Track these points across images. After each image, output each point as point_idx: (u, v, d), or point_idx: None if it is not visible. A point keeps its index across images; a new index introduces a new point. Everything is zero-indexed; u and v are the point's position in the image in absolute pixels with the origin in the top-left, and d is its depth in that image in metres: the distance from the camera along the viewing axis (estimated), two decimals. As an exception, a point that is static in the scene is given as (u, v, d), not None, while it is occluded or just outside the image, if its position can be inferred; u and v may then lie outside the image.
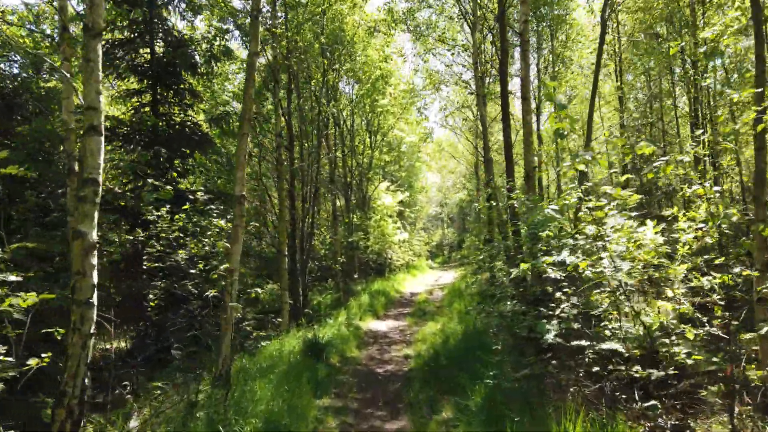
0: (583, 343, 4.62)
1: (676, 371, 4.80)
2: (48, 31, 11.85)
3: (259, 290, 5.55)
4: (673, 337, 4.82)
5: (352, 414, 5.83)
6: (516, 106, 16.66)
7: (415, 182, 30.83)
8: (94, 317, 3.41)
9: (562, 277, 4.84)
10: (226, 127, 11.42)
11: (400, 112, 19.66)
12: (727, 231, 4.78)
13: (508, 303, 5.56)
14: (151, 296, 5.04)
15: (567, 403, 4.51)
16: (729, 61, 12.73)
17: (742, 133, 9.83)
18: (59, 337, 3.70)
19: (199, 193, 6.62)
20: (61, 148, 6.49)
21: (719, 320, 4.73)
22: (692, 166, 10.73)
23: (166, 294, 5.68)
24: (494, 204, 9.48)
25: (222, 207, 6.64)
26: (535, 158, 9.04)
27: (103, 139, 3.53)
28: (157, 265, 5.04)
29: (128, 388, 5.94)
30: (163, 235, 5.02)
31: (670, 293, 5.21)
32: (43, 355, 3.10)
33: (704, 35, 7.58)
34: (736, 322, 4.61)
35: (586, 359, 4.73)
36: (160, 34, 10.46)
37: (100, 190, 3.46)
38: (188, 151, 6.43)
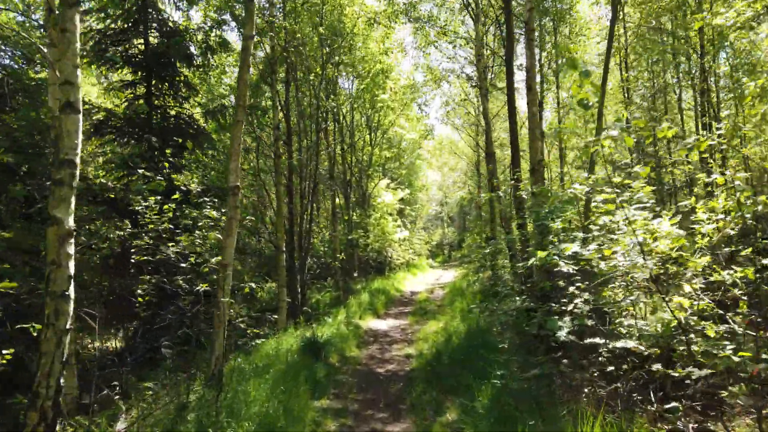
0: (598, 340, 4.34)
1: (694, 370, 4.54)
2: (42, 22, 11.55)
3: (253, 285, 5.26)
4: (692, 335, 4.55)
5: (351, 416, 5.55)
6: (519, 101, 16.36)
7: (416, 180, 30.56)
8: (71, 311, 3.13)
9: (575, 271, 4.57)
10: (223, 120, 11.13)
11: (400, 109, 19.38)
12: (750, 222, 4.50)
13: (517, 299, 5.27)
14: (139, 292, 4.75)
15: (581, 405, 4.24)
16: (734, 56, 12.48)
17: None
18: (35, 333, 3.41)
19: (192, 185, 6.33)
20: (53, 135, 6.19)
21: (741, 316, 4.47)
22: (710, 155, 10.50)
23: (157, 290, 5.39)
24: (498, 197, 9.20)
25: (216, 200, 6.34)
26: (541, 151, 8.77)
27: (81, 117, 3.25)
28: (145, 258, 4.76)
29: (117, 388, 5.65)
30: (152, 226, 4.73)
31: (687, 288, 4.92)
32: (4, 351, 2.82)
33: (717, 22, 7.29)
34: (760, 319, 4.34)
35: (601, 358, 4.45)
36: (155, 25, 10.17)
37: (78, 172, 3.18)
38: (184, 143, 6.13)
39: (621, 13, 10.75)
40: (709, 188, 10.31)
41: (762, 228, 6.20)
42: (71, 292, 3.13)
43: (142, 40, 10.12)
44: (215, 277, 4.66)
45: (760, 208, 4.17)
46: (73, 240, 3.15)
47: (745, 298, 4.41)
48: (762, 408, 3.99)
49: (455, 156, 29.87)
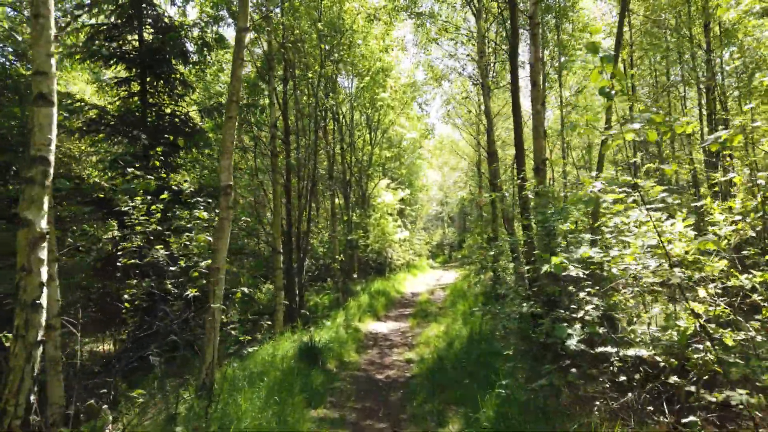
0: (609, 349, 4.09)
1: (707, 379, 4.31)
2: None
3: (246, 290, 5.01)
4: (708, 343, 4.31)
5: (349, 427, 5.30)
6: (521, 99, 16.09)
7: (416, 180, 30.30)
8: (43, 322, 2.88)
9: (585, 275, 4.32)
10: (220, 119, 10.88)
11: (400, 108, 19.13)
12: (770, 223, 4.25)
13: (524, 305, 5.02)
14: (126, 297, 4.50)
15: (593, 418, 3.99)
16: (740, 53, 12.23)
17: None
18: (7, 344, 3.16)
19: (185, 184, 6.08)
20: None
21: (760, 323, 4.23)
22: (716, 154, 10.24)
23: (146, 294, 5.15)
24: (501, 198, 8.94)
25: (210, 200, 6.09)
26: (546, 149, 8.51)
27: (55, 110, 3.00)
28: (132, 262, 4.51)
29: (107, 396, 5.40)
30: (139, 228, 4.48)
31: (703, 293, 4.67)
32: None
33: (727, 16, 7.06)
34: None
35: (612, 368, 4.20)
36: (149, 20, 9.93)
37: (51, 170, 2.94)
38: (177, 141, 5.90)
39: (627, 7, 10.50)
40: (716, 188, 10.08)
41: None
42: (43, 300, 2.88)
43: (136, 36, 9.88)
44: (204, 281, 4.41)
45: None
46: (45, 244, 2.90)
47: (767, 304, 4.17)
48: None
49: (456, 155, 29.58)
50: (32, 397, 2.76)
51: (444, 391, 6.02)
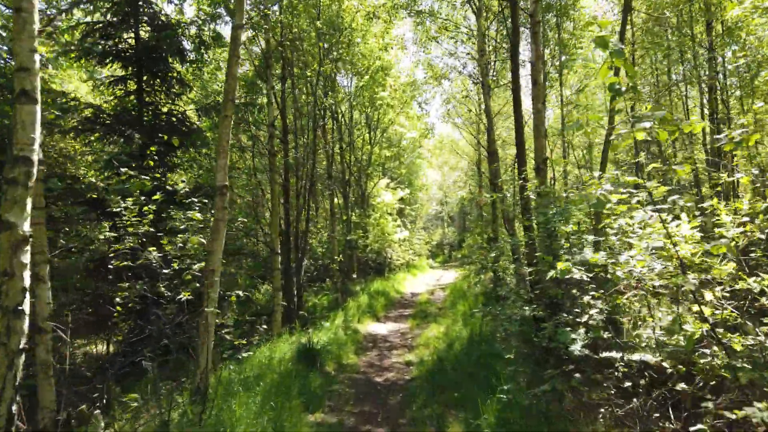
0: (614, 354, 3.98)
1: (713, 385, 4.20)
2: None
3: (241, 294, 4.89)
4: (715, 348, 4.21)
5: (347, 432, 5.19)
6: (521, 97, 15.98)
7: (416, 179, 30.19)
8: (26, 329, 2.77)
9: (588, 278, 4.20)
10: (217, 117, 10.76)
11: (400, 107, 19.01)
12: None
13: (525, 308, 4.90)
14: (118, 300, 4.38)
15: (597, 426, 3.88)
16: (742, 53, 12.11)
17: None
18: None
19: (181, 183, 5.96)
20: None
21: (769, 328, 4.12)
22: (719, 154, 10.12)
23: (139, 297, 5.03)
24: (502, 198, 8.82)
25: (206, 201, 5.97)
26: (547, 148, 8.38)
27: (39, 108, 2.88)
28: (125, 264, 4.39)
29: (100, 400, 5.29)
30: (131, 229, 4.36)
31: (709, 296, 4.55)
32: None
33: (731, 14, 6.95)
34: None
35: (617, 373, 4.08)
36: (146, 18, 9.81)
37: (35, 170, 2.82)
38: (173, 141, 5.78)
39: (630, 4, 10.38)
40: (719, 188, 9.97)
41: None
42: (26, 306, 2.76)
43: (132, 34, 9.76)
44: (197, 285, 4.29)
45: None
46: (29, 247, 2.78)
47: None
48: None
49: (456, 155, 29.48)
50: (14, 407, 2.64)
51: (444, 394, 5.91)
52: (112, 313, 5.55)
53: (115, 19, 9.52)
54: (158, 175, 5.34)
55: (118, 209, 4.35)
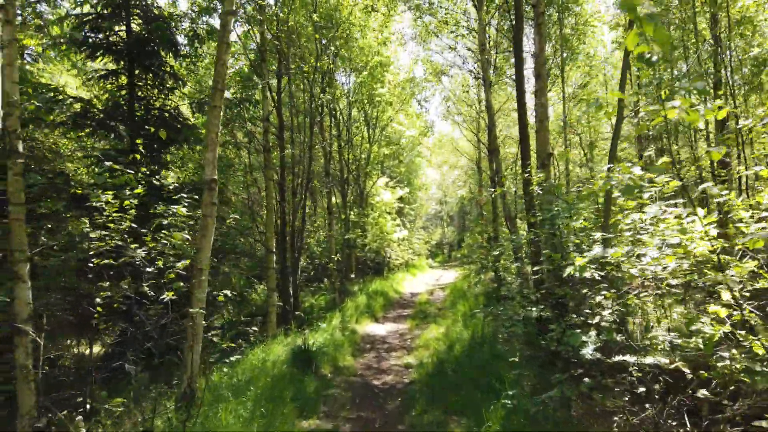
0: (628, 358, 3.72)
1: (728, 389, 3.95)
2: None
3: (228, 293, 4.62)
4: (734, 350, 3.95)
5: (343, 439, 4.92)
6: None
7: (415, 179, 29.92)
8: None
9: (600, 277, 3.95)
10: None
11: (399, 104, 18.74)
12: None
13: (533, 309, 4.64)
14: (98, 300, 4.11)
15: (611, 435, 3.62)
16: (744, 47, 11.87)
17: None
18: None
19: (170, 178, 5.68)
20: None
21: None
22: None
23: (123, 297, 4.76)
24: (503, 194, 8.56)
25: (196, 197, 5.69)
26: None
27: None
28: (106, 262, 4.13)
29: (81, 407, 5.02)
30: (113, 225, 4.10)
31: (726, 296, 4.29)
32: None
33: (736, 9, 6.69)
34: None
35: (631, 377, 3.82)
36: (137, 10, 9.53)
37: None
38: (164, 136, 5.50)
39: None
40: (726, 185, 9.72)
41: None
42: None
43: (124, 27, 9.48)
44: (181, 284, 4.03)
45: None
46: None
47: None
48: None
49: (455, 153, 29.22)
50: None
51: (445, 398, 5.64)
52: (93, 314, 5.28)
53: (105, 11, 9.24)
54: (144, 169, 5.05)
55: (99, 204, 4.08)
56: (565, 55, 14.88)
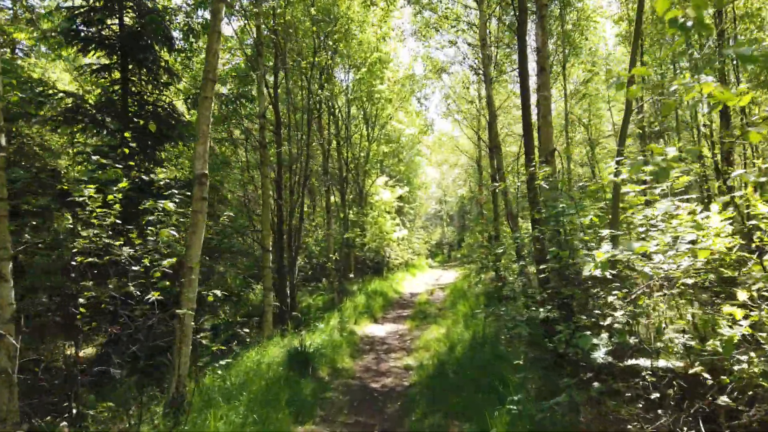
0: (642, 362, 3.51)
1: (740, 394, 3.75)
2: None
3: (218, 293, 4.41)
4: (752, 353, 3.75)
5: (340, 446, 4.71)
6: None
7: (415, 178, 29.70)
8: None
9: (611, 276, 3.73)
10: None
11: (399, 102, 18.52)
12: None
13: (541, 309, 4.42)
14: (81, 300, 3.89)
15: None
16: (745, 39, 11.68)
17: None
18: None
19: (161, 174, 5.46)
20: None
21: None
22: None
23: (110, 297, 4.54)
24: (503, 191, 8.35)
25: (189, 194, 5.48)
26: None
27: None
28: (89, 261, 3.91)
29: (67, 412, 4.79)
30: (96, 222, 3.88)
31: (743, 296, 4.07)
32: None
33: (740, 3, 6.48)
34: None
35: (645, 382, 3.61)
36: (131, 3, 9.30)
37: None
38: (149, 126, 5.29)
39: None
40: (732, 182, 9.53)
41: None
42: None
43: (117, 21, 9.26)
44: (167, 283, 3.81)
45: None
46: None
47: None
48: None
49: (456, 152, 28.99)
50: None
51: (446, 401, 5.43)
52: (82, 315, 5.06)
53: (98, 3, 9.01)
54: (132, 163, 4.84)
55: (81, 199, 3.86)
56: (567, 51, 14.68)
